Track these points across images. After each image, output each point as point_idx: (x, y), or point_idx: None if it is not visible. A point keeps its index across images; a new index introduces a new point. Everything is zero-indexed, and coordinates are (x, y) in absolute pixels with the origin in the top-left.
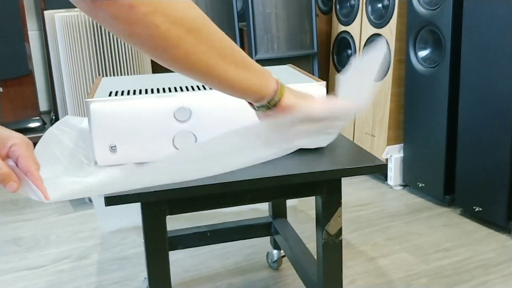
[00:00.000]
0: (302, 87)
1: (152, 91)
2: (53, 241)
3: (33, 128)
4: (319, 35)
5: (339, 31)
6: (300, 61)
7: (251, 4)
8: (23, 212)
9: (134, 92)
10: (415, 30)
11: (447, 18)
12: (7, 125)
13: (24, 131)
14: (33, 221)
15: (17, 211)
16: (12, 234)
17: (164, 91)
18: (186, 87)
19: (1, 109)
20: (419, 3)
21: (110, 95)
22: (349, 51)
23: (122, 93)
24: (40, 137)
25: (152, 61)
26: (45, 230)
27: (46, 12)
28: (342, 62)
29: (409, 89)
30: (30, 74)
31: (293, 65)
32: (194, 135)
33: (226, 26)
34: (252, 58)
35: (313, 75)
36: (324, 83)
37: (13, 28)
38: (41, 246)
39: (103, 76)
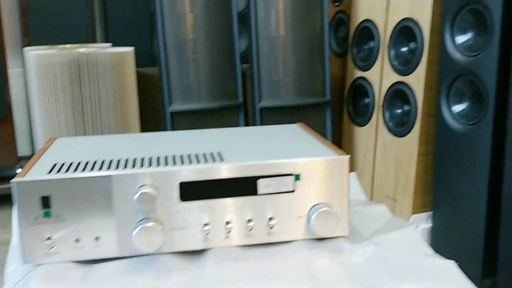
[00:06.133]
0: (320, 162)
1: (118, 164)
2: None
3: (10, 176)
4: (332, 81)
5: (355, 77)
6: (311, 110)
7: (256, 45)
8: None
9: (93, 167)
10: (449, 80)
11: (491, 67)
12: None
13: (1, 180)
14: None
15: None
16: None
17: (134, 164)
18: (173, 158)
19: None
20: (456, 47)
21: (51, 170)
22: (367, 100)
23: (69, 167)
24: None
25: (141, 116)
26: None
27: (24, 49)
28: (358, 112)
29: (440, 148)
30: (8, 117)
31: (304, 124)
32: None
33: (228, 68)
34: (255, 105)
35: (325, 126)
36: (348, 157)
37: None
38: None
39: (81, 128)
